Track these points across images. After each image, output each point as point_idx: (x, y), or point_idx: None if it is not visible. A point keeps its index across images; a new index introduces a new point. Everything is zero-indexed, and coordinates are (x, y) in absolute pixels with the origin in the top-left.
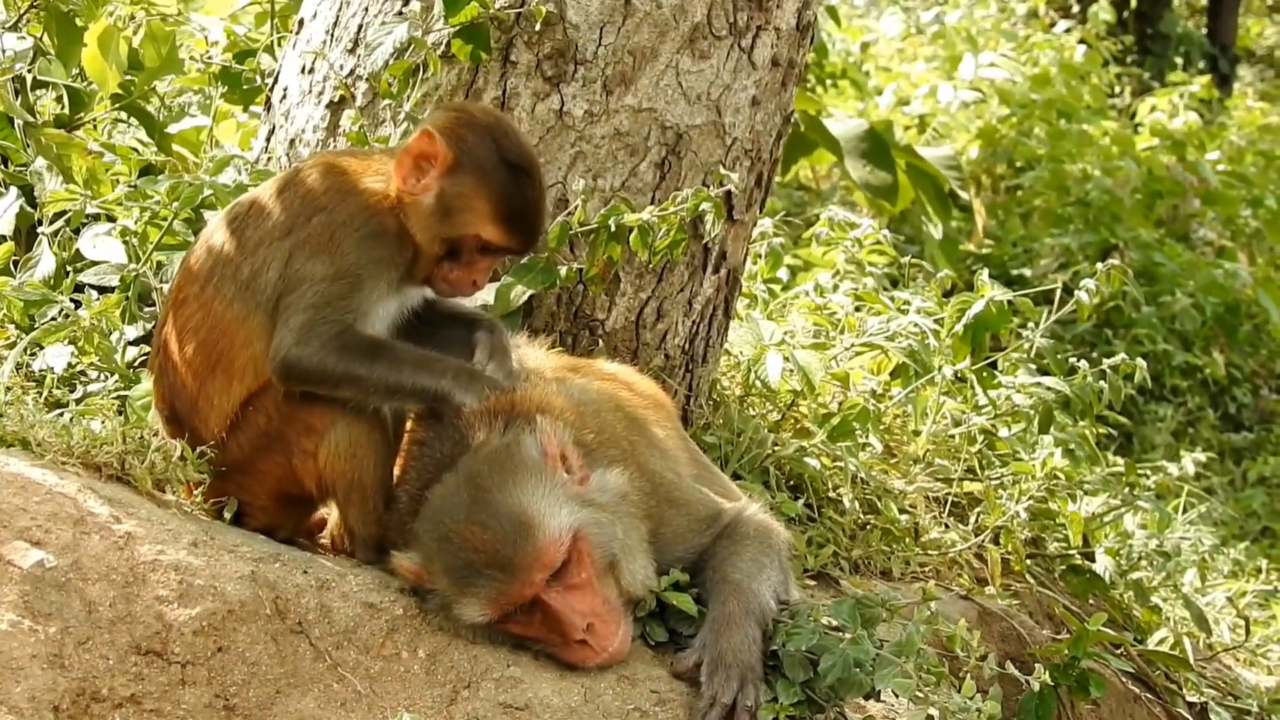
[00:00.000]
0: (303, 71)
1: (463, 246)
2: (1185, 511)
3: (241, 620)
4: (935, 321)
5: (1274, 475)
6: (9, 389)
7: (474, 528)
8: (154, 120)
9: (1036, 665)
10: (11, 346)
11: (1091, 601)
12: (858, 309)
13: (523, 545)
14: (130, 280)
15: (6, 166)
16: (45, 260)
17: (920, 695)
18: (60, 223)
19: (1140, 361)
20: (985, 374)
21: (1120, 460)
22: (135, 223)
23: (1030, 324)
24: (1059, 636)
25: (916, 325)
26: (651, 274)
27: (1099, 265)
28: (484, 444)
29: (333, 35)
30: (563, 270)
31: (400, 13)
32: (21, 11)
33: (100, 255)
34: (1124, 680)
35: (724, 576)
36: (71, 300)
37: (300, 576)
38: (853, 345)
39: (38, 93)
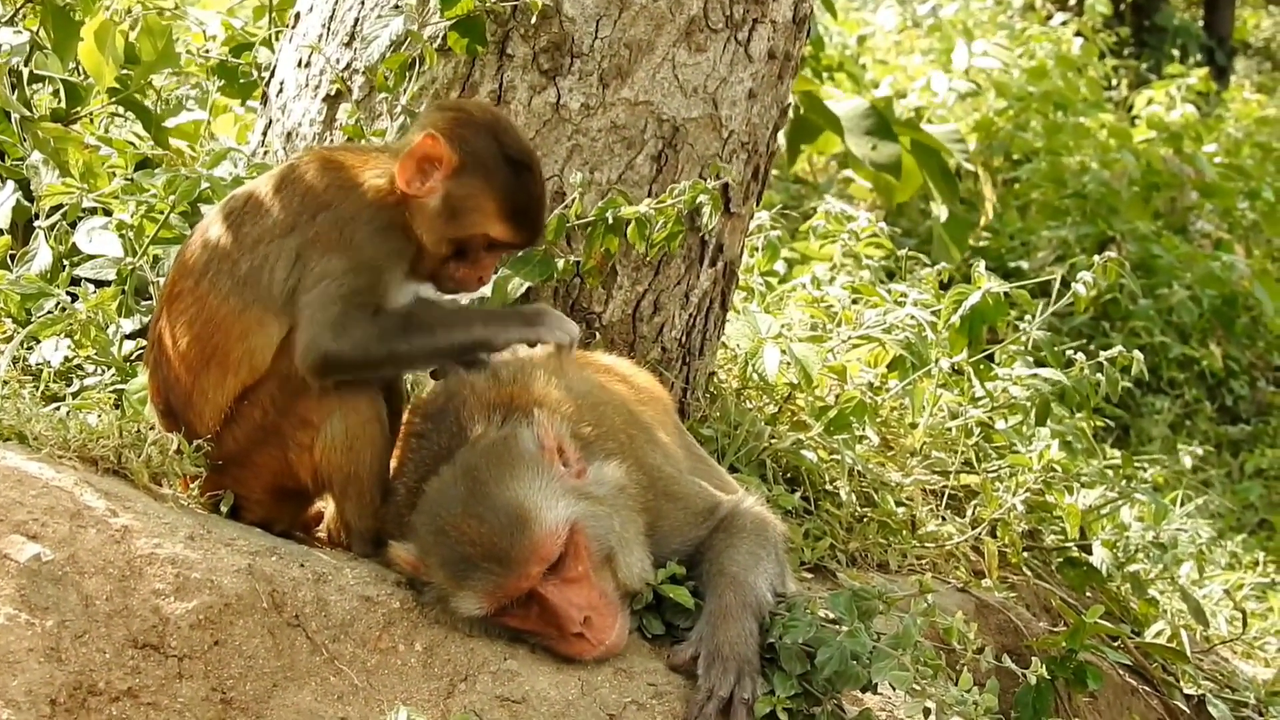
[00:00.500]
0: (299, 65)
1: (470, 245)
2: (1182, 504)
3: (238, 613)
4: (932, 314)
5: (1271, 467)
6: (5, 383)
7: (470, 520)
8: (151, 114)
9: (1033, 658)
10: (8, 340)
11: (1089, 594)
12: (855, 301)
13: (519, 538)
14: (127, 274)
15: (3, 160)
16: (42, 254)
17: (917, 688)
18: (57, 216)
19: (1137, 354)
20: (982, 366)
21: (1117, 452)
22: (131, 216)
23: (1027, 316)
24: (1056, 629)
25: (913, 318)
26: (648, 267)
27: (1096, 257)
28: (481, 437)
29: (329, 29)
30: (560, 263)
31: (396, 6)
32: (18, 6)
33: (97, 249)
34: (1121, 673)
35: (720, 569)
36: (68, 294)
37: (297, 570)
38: (849, 338)
39: (34, 87)
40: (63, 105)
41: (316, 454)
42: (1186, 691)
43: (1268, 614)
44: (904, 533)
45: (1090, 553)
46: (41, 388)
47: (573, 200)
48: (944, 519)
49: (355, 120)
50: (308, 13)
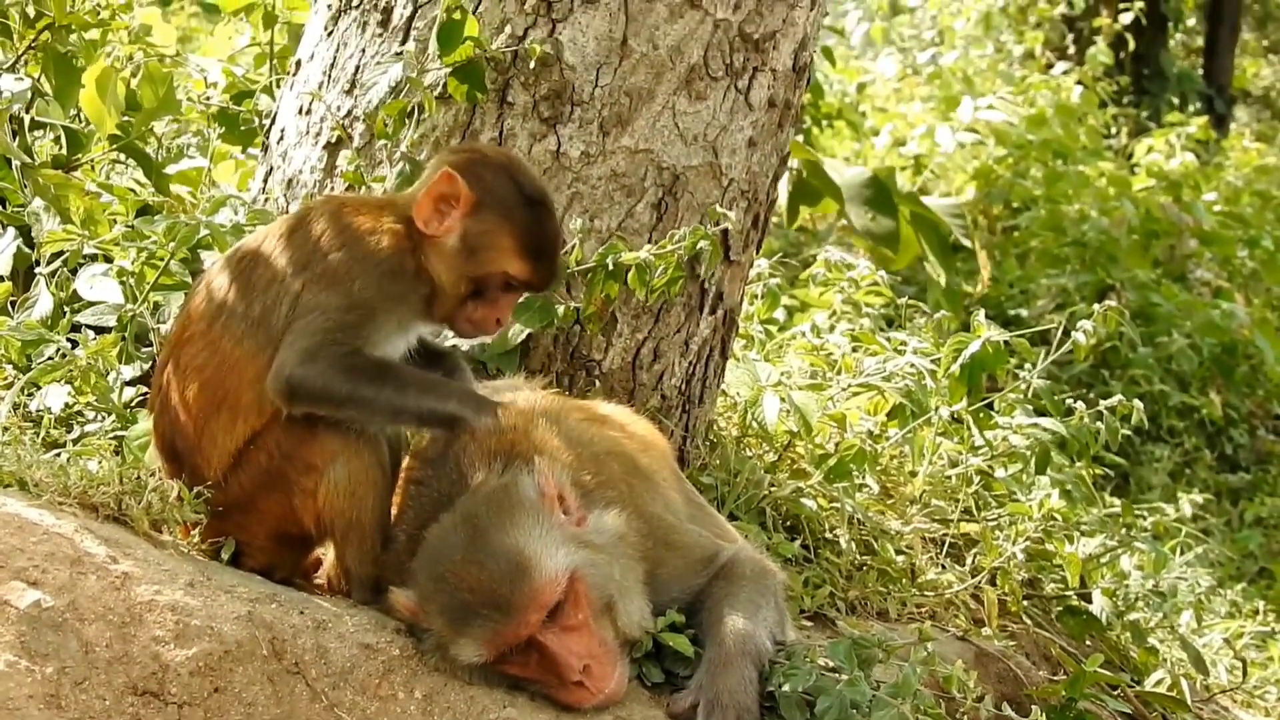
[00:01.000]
0: (300, 112)
1: (488, 284)
2: (1182, 552)
3: (238, 660)
4: (932, 362)
5: (1271, 516)
6: (6, 429)
7: (471, 567)
8: (151, 161)
9: (1033, 706)
10: (9, 386)
11: (1088, 642)
12: (854, 349)
13: (519, 585)
14: (127, 320)
15: (4, 207)
16: (43, 300)
17: None
18: (58, 263)
19: (1137, 402)
20: (982, 415)
21: (1117, 501)
22: (132, 263)
23: (1027, 364)
24: (1056, 677)
25: (913, 366)
26: (648, 314)
27: (1096, 306)
28: (482, 484)
29: (330, 76)
30: (560, 310)
31: (397, 53)
32: (20, 52)
33: (97, 295)
34: None
35: (720, 617)
36: (68, 340)
37: (297, 617)
38: (849, 386)
39: (35, 133)
40: (64, 152)
41: (320, 499)
42: None
43: (1268, 663)
44: (904, 581)
45: (1090, 601)
46: (42, 434)
47: (573, 247)
48: (944, 567)
49: (355, 167)
50: (309, 60)
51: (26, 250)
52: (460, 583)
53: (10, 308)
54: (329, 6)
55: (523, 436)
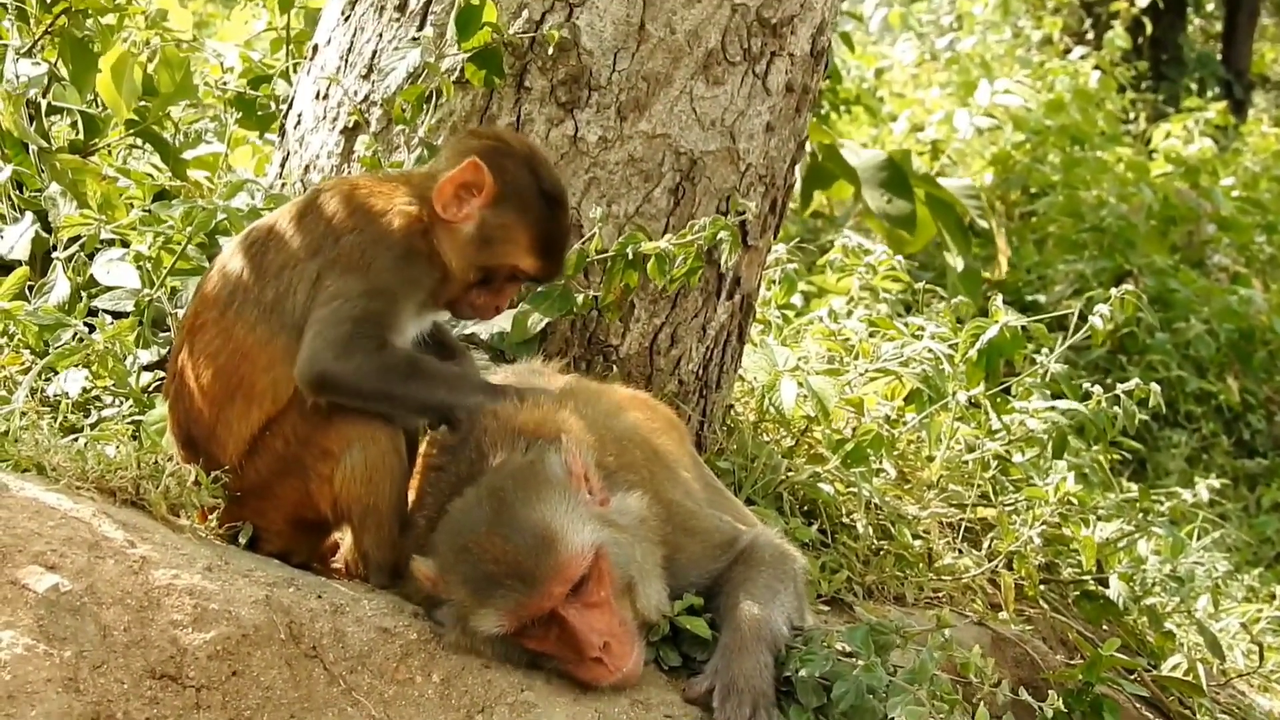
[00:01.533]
0: (317, 97)
1: (495, 274)
2: (1199, 537)
3: (256, 644)
4: (949, 347)
5: None
6: (24, 414)
7: (496, 539)
8: (168, 146)
9: (1050, 691)
10: (26, 371)
11: (1105, 627)
12: (872, 334)
13: (545, 557)
14: (144, 305)
15: (21, 192)
16: (60, 285)
17: None
18: (74, 248)
19: (1154, 387)
20: (999, 400)
21: (1134, 486)
22: (149, 248)
23: (1044, 350)
24: (1073, 662)
25: (930, 351)
26: (666, 300)
27: (1113, 291)
28: (506, 461)
29: (347, 61)
30: (579, 298)
31: (414, 38)
32: (36, 37)
33: (114, 280)
34: (1138, 706)
35: (737, 602)
36: (86, 325)
37: (314, 601)
38: (867, 371)
39: (52, 118)
40: (81, 137)
41: (336, 484)
42: None
43: None
44: (921, 566)
45: (1107, 586)
46: (59, 419)
47: (592, 235)
48: (961, 552)
49: (373, 152)
50: (325, 45)
51: (44, 235)
52: (485, 554)
53: (28, 292)
54: None
55: (546, 418)
